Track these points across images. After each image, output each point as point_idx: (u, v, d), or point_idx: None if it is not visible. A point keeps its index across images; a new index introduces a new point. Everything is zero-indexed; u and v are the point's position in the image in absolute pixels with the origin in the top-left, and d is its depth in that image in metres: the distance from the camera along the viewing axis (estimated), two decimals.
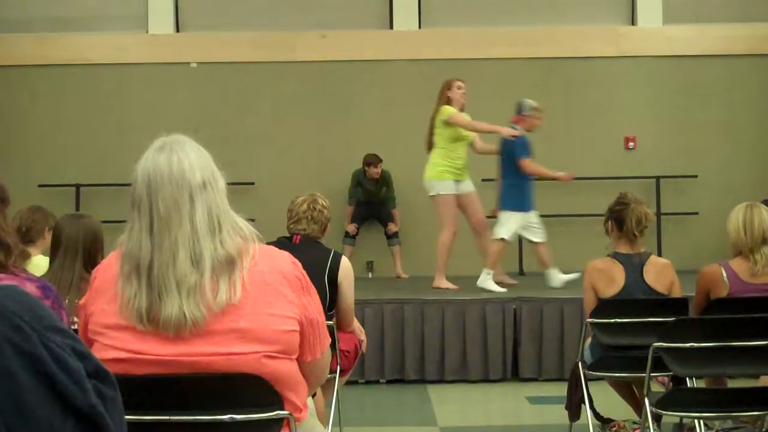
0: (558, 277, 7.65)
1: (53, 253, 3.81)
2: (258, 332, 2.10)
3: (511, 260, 8.60)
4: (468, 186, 7.82)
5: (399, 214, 9.86)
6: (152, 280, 2.07)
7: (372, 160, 9.57)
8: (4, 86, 10.22)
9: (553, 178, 7.82)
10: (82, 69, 10.19)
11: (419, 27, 10.36)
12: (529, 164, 7.62)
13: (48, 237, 4.35)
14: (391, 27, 10.39)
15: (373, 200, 9.74)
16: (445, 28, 10.32)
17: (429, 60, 10.17)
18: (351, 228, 9.68)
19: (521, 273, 9.17)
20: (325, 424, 3.94)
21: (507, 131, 7.60)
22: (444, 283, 7.75)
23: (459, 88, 7.82)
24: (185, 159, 2.11)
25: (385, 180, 9.73)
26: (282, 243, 4.27)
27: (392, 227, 9.78)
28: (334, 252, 4.42)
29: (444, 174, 7.69)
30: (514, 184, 7.64)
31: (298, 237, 4.41)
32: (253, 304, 2.10)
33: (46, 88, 10.21)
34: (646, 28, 10.35)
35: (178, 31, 10.42)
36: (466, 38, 10.17)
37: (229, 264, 2.08)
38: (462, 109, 7.75)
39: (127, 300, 2.09)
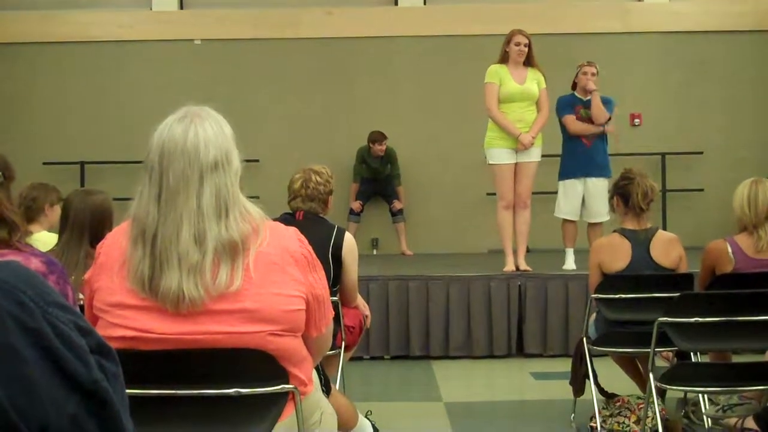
0: (569, 261, 7.28)
1: (62, 229, 3.80)
2: (264, 312, 2.11)
3: None
4: (525, 155, 6.85)
5: (404, 191, 9.85)
6: (156, 250, 2.07)
7: (377, 137, 9.54)
8: (7, 63, 10.21)
9: (601, 133, 6.97)
10: (86, 46, 10.17)
11: (424, 3, 10.31)
12: (572, 122, 6.99)
13: (49, 213, 4.35)
14: (396, 3, 10.33)
15: (377, 177, 9.73)
16: (450, 5, 10.25)
17: (434, 36, 10.13)
18: (356, 205, 9.67)
19: (527, 250, 9.12)
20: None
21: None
22: (507, 264, 7.07)
23: (517, 44, 6.86)
24: (202, 135, 2.10)
25: (390, 157, 9.70)
26: (285, 219, 4.26)
27: (397, 204, 9.77)
28: (338, 228, 4.41)
29: (493, 141, 6.89)
30: (564, 149, 7.14)
31: (301, 213, 4.40)
32: (259, 284, 2.10)
33: (49, 66, 10.20)
34: (653, 3, 10.28)
35: (181, 8, 10.38)
36: (471, 14, 10.11)
37: (231, 250, 2.07)
38: (531, 65, 6.91)
39: (133, 264, 2.10)
